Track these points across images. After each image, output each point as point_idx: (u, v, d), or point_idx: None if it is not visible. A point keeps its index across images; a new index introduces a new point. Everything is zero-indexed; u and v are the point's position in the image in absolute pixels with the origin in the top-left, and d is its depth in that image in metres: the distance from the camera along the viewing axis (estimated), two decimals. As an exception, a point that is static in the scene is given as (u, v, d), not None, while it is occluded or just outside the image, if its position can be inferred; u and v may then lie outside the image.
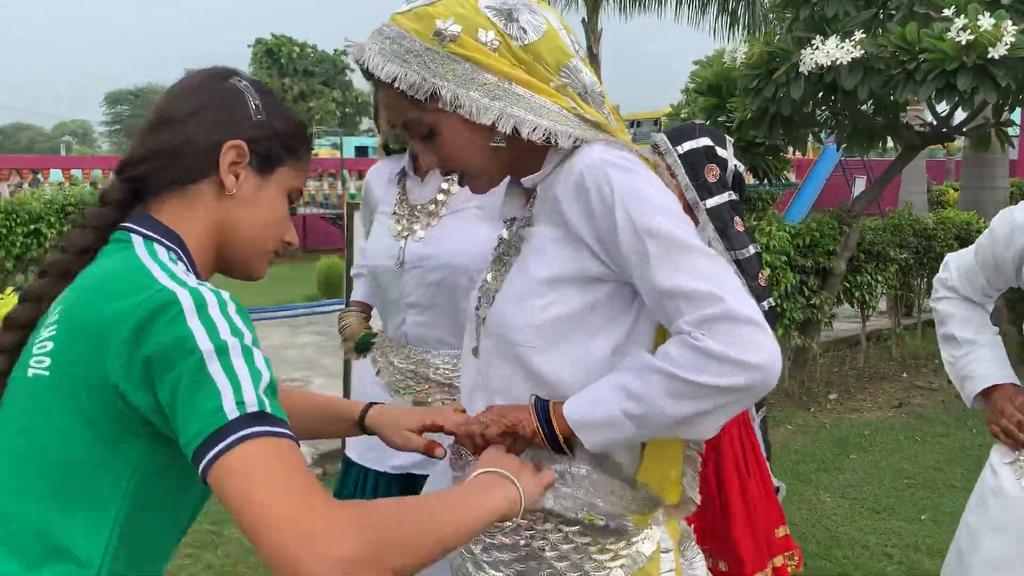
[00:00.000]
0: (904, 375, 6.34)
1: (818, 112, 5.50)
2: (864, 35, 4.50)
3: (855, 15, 4.75)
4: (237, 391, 0.91)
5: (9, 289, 3.31)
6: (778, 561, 2.32)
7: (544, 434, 1.19)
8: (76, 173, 14.87)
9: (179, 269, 1.04)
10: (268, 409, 0.92)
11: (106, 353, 0.95)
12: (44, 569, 0.98)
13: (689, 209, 2.12)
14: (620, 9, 11.67)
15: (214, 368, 0.92)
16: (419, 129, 1.24)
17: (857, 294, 6.04)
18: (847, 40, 4.49)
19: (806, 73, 4.64)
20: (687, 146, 2.21)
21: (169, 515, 1.08)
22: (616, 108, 1.34)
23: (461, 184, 1.34)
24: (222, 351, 0.93)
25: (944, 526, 3.53)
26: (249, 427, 0.89)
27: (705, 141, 2.22)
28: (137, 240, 1.08)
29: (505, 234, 1.38)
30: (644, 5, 11.54)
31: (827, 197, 11.74)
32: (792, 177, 9.46)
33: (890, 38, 4.41)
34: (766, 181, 6.22)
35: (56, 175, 14.91)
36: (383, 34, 1.21)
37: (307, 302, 9.56)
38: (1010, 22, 4.07)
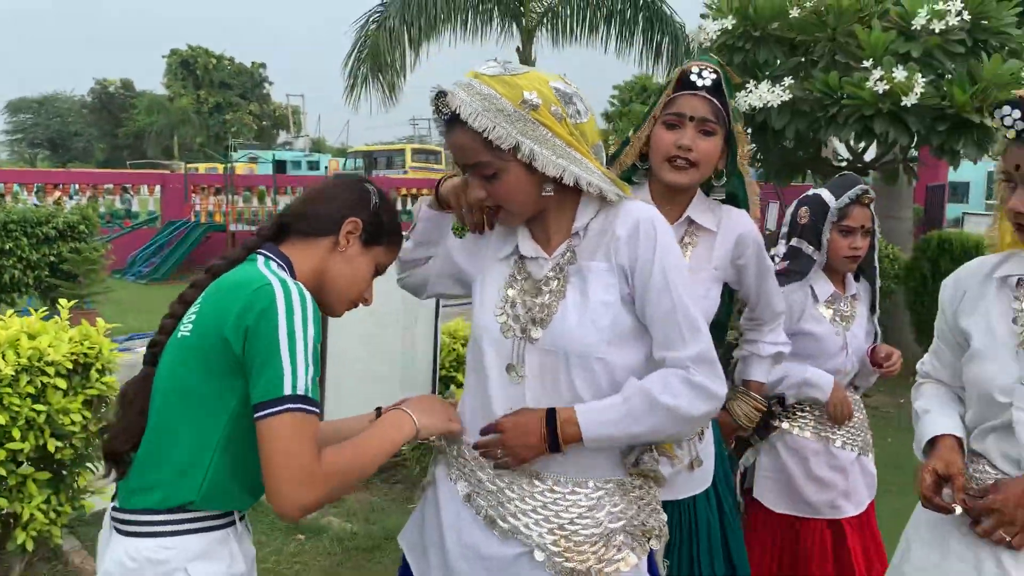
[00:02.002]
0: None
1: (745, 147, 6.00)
2: (792, 81, 4.98)
3: (784, 62, 5.23)
4: (294, 375, 1.37)
5: (10, 312, 3.44)
6: None
7: (548, 443, 1.52)
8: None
9: (282, 272, 1.50)
10: (309, 394, 1.38)
11: (224, 320, 1.41)
12: (165, 470, 1.45)
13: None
14: (552, 40, 12.17)
15: (284, 350, 1.37)
16: (487, 170, 1.55)
17: (781, 314, 6.51)
18: (777, 85, 4.96)
19: (741, 113, 5.09)
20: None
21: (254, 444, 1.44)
22: None
23: (496, 216, 1.65)
24: (293, 337, 1.38)
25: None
26: (294, 404, 1.36)
27: None
28: (260, 259, 1.56)
29: (533, 268, 1.67)
30: (575, 37, 12.06)
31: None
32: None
33: (815, 84, 4.91)
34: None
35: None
36: (474, 90, 1.52)
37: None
38: (920, 75, 4.59)
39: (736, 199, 2.23)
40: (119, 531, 1.49)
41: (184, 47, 59.60)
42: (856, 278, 2.79)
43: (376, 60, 11.03)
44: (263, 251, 1.58)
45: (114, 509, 1.53)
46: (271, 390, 1.36)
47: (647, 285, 1.53)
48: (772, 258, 2.60)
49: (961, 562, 1.57)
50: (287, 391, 1.36)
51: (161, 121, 52.91)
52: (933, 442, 1.68)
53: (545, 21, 12.08)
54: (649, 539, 1.63)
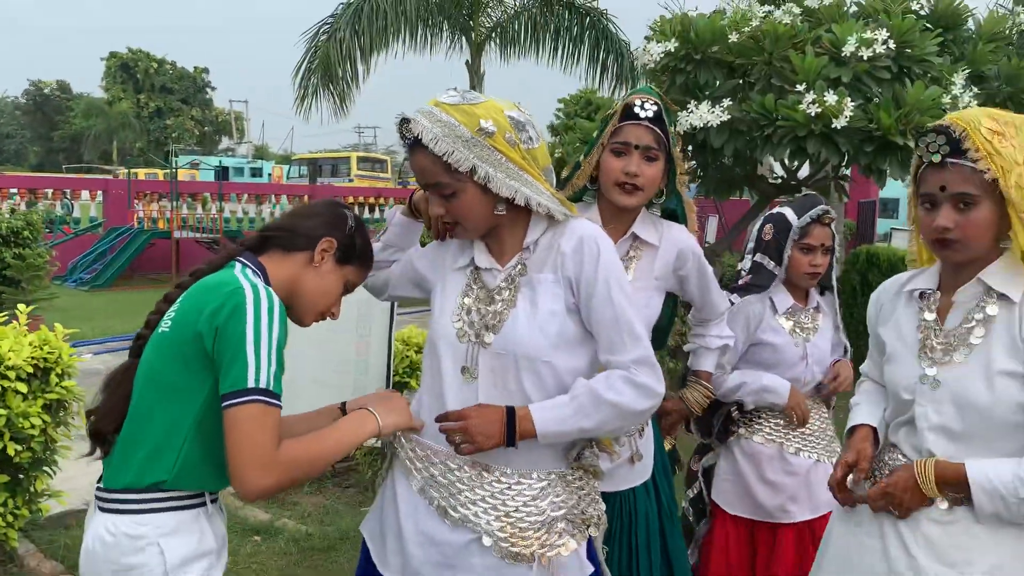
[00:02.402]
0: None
1: (687, 164, 6.24)
2: (731, 102, 5.23)
3: (723, 83, 5.48)
4: (258, 369, 1.53)
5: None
6: None
7: (507, 437, 1.67)
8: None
9: (256, 278, 1.65)
10: (272, 388, 1.55)
11: (198, 318, 1.57)
12: (140, 452, 1.60)
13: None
14: (501, 54, 12.38)
15: (250, 347, 1.53)
16: (445, 190, 1.71)
17: (720, 324, 6.79)
18: (717, 106, 5.20)
19: (682, 132, 5.32)
20: None
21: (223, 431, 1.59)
22: None
23: (451, 231, 1.81)
24: (258, 336, 1.54)
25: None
26: (257, 396, 1.53)
27: None
28: (237, 265, 1.71)
29: (487, 278, 1.83)
30: (523, 52, 12.28)
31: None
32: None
33: (752, 106, 5.16)
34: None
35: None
36: (435, 117, 1.68)
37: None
38: (849, 99, 4.87)
39: (675, 215, 2.44)
40: (101, 508, 1.63)
41: (124, 50, 58.50)
42: (821, 293, 2.90)
43: (327, 71, 11.10)
44: (241, 259, 1.72)
45: (98, 488, 1.66)
46: (237, 382, 1.52)
47: (591, 296, 1.70)
48: (739, 272, 2.79)
49: (870, 537, 1.78)
50: (251, 384, 1.52)
51: (100, 125, 51.78)
52: (852, 431, 1.89)
53: (494, 36, 12.29)
54: (588, 527, 1.80)
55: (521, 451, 1.71)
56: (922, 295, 1.82)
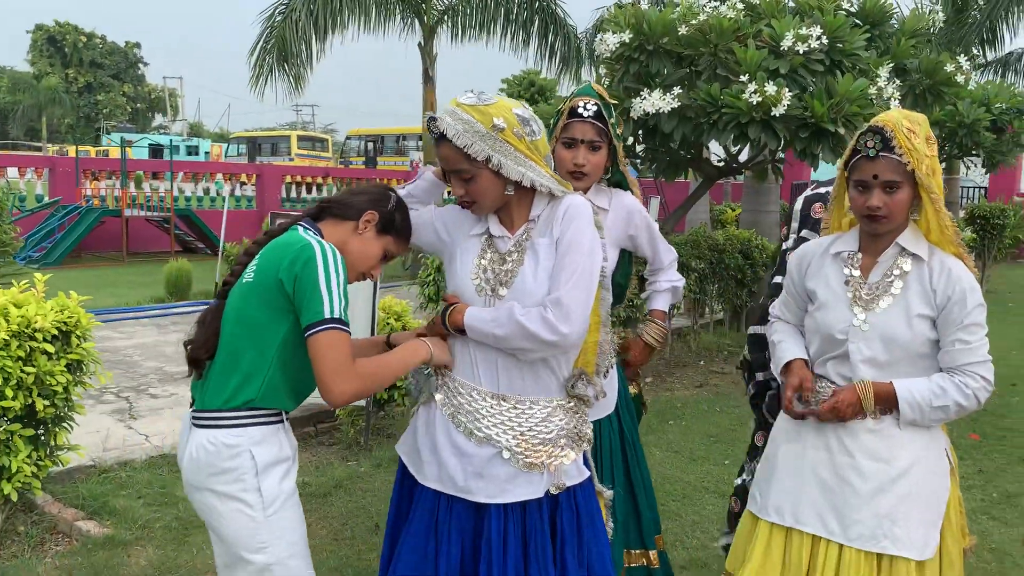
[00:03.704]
0: (702, 363, 7.71)
1: (638, 147, 6.70)
2: (680, 90, 5.69)
3: (672, 73, 5.93)
4: (331, 304, 1.92)
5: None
6: None
7: (442, 322, 2.16)
8: None
9: (318, 236, 2.05)
10: (343, 316, 1.93)
11: (278, 269, 1.95)
12: (235, 378, 1.98)
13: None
14: (453, 36, 12.68)
15: (323, 288, 1.91)
16: (465, 175, 2.11)
17: (667, 297, 7.29)
18: (667, 93, 5.66)
19: (635, 118, 5.77)
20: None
21: (303, 364, 1.97)
22: None
23: (469, 208, 2.20)
24: (328, 279, 1.92)
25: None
26: (333, 324, 1.91)
27: None
28: (300, 228, 2.10)
29: (499, 244, 2.24)
30: (475, 35, 12.61)
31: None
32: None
33: (700, 94, 5.63)
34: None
35: None
36: (457, 116, 2.08)
37: (155, 304, 9.75)
38: (787, 89, 5.38)
39: (621, 184, 2.98)
40: (198, 426, 2.02)
41: (51, 23, 56.72)
42: None
43: (282, 51, 11.26)
44: (302, 223, 2.11)
45: (194, 410, 2.06)
46: (317, 315, 1.91)
47: (560, 251, 2.11)
48: (783, 252, 2.87)
49: (815, 449, 2.25)
50: (327, 315, 1.91)
51: (27, 100, 50.22)
52: (787, 366, 2.34)
53: (446, 19, 12.59)
54: (583, 442, 2.24)
55: (529, 384, 2.14)
56: (848, 256, 2.29)
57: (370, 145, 35.75)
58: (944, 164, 12.99)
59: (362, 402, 4.76)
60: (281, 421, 2.06)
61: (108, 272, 13.34)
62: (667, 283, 3.09)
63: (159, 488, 4.22)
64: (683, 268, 7.36)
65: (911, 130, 2.10)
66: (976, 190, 21.58)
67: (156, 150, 33.68)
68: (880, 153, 2.11)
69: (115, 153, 27.20)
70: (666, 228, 7.06)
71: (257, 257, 2.06)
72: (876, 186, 2.13)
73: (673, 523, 4.00)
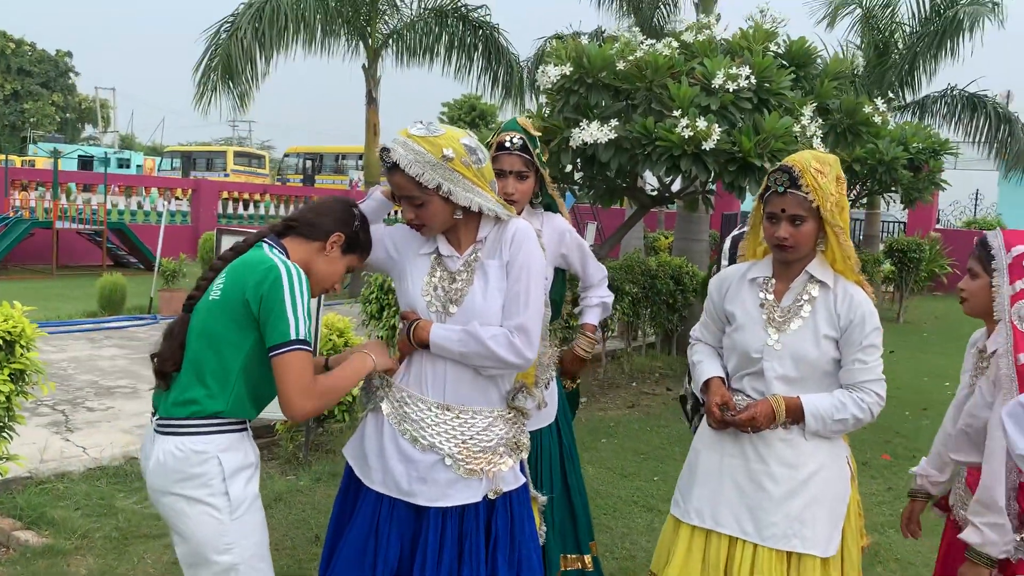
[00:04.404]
0: (634, 384, 7.95)
1: (576, 174, 6.95)
2: (617, 122, 5.95)
3: (610, 105, 6.19)
4: (296, 326, 2.03)
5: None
6: None
7: (408, 337, 2.29)
8: None
9: (283, 255, 2.17)
10: (307, 337, 2.05)
11: (244, 287, 2.06)
12: (201, 389, 2.08)
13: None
14: (397, 60, 12.85)
15: (288, 309, 2.02)
16: (416, 201, 2.27)
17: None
18: (605, 125, 5.91)
19: (574, 147, 6.01)
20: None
21: (264, 376, 2.10)
22: None
23: (419, 230, 2.34)
24: (294, 300, 2.03)
25: (670, 482, 4.92)
26: (298, 345, 2.02)
27: None
28: (265, 246, 2.19)
29: (449, 263, 2.41)
30: (418, 59, 12.79)
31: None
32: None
33: (635, 126, 5.90)
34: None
35: None
36: (408, 146, 2.23)
37: (87, 318, 9.61)
38: (717, 125, 5.68)
39: (551, 207, 3.23)
40: (163, 433, 2.12)
41: (-22, 28, 54.98)
42: None
43: (228, 69, 11.26)
44: (267, 240, 2.22)
45: (158, 418, 2.16)
46: (283, 336, 2.02)
47: (511, 275, 2.28)
48: None
49: (732, 457, 2.46)
50: (292, 336, 2.02)
51: (-50, 106, 48.49)
52: (708, 383, 2.55)
53: (391, 43, 12.74)
54: (520, 450, 2.40)
55: (473, 395, 2.30)
56: (763, 281, 2.52)
57: (308, 163, 35.55)
58: (866, 199, 13.65)
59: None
60: (245, 429, 2.18)
61: (37, 285, 13.06)
62: (597, 299, 3.33)
63: (98, 499, 4.24)
64: (617, 292, 7.60)
65: (819, 170, 2.34)
66: (896, 224, 22.55)
67: (86, 161, 32.94)
68: (788, 190, 2.34)
69: (41, 163, 26.44)
70: (601, 253, 7.31)
71: (223, 274, 2.16)
72: (784, 219, 2.36)
73: (604, 535, 4.18)
